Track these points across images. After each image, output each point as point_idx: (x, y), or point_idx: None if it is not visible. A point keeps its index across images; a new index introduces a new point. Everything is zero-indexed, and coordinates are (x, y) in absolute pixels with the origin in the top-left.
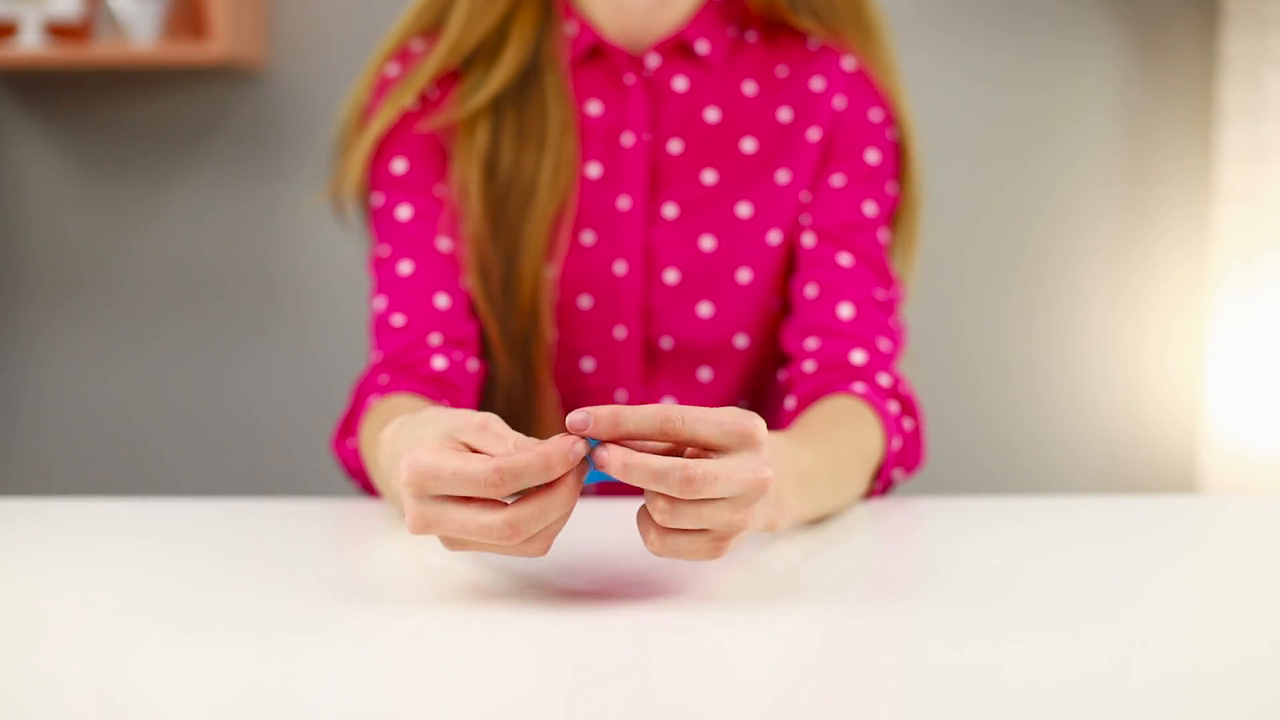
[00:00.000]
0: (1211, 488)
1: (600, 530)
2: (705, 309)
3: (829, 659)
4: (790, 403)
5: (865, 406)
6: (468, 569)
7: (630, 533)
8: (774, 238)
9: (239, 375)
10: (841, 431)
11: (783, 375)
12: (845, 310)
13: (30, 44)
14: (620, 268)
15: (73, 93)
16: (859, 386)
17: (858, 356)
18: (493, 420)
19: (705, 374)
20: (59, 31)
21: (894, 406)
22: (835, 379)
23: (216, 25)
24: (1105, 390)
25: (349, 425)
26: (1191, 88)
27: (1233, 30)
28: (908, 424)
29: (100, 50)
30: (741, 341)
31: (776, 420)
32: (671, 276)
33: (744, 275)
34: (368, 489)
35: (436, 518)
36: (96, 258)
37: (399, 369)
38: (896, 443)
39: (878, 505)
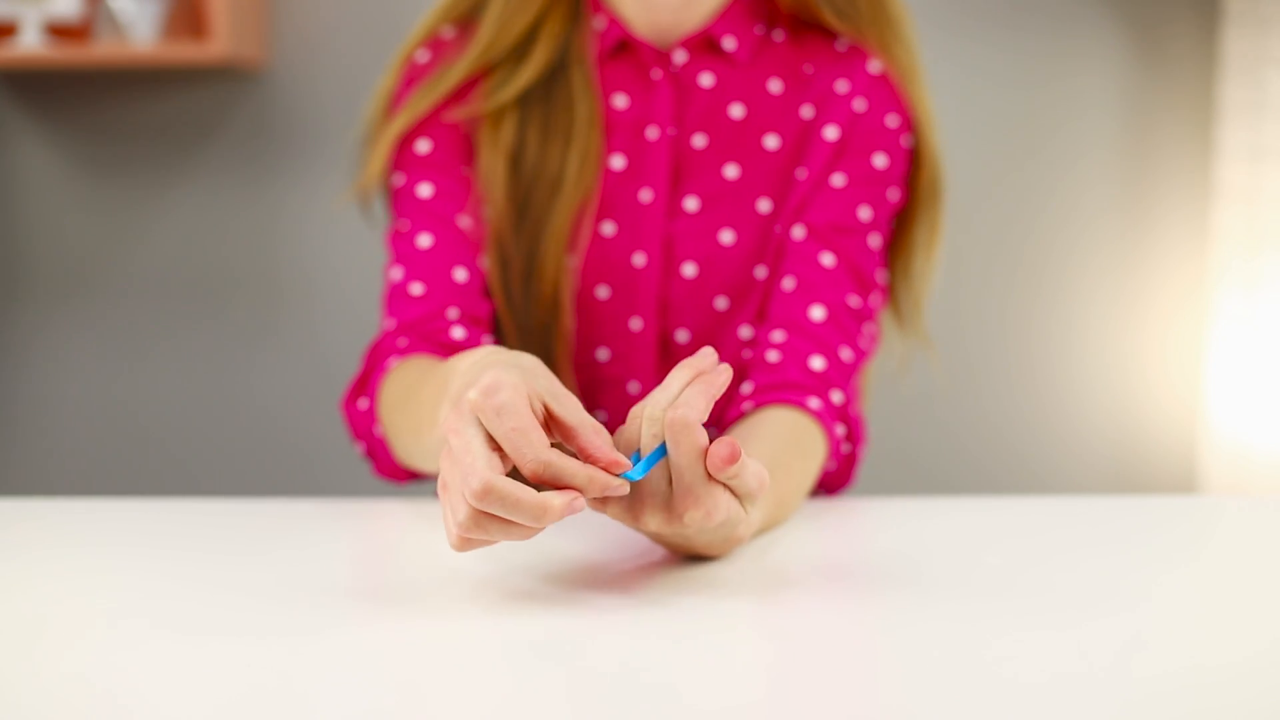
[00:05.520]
0: (1211, 488)
1: (586, 535)
2: (722, 303)
3: (826, 658)
4: (747, 388)
5: (816, 427)
6: (473, 569)
7: (621, 537)
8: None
9: (239, 375)
10: (798, 466)
11: (745, 354)
12: (817, 312)
13: (30, 44)
14: (639, 259)
15: (73, 93)
16: (814, 402)
17: (817, 363)
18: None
19: None
20: (59, 31)
21: (840, 429)
22: (793, 384)
23: (216, 25)
24: (1105, 390)
25: (361, 386)
26: (1191, 88)
27: (1233, 30)
28: (845, 448)
29: (100, 50)
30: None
31: (730, 399)
32: (690, 270)
33: (761, 272)
34: (373, 452)
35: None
36: (96, 258)
37: (418, 335)
38: (831, 464)
39: (876, 503)
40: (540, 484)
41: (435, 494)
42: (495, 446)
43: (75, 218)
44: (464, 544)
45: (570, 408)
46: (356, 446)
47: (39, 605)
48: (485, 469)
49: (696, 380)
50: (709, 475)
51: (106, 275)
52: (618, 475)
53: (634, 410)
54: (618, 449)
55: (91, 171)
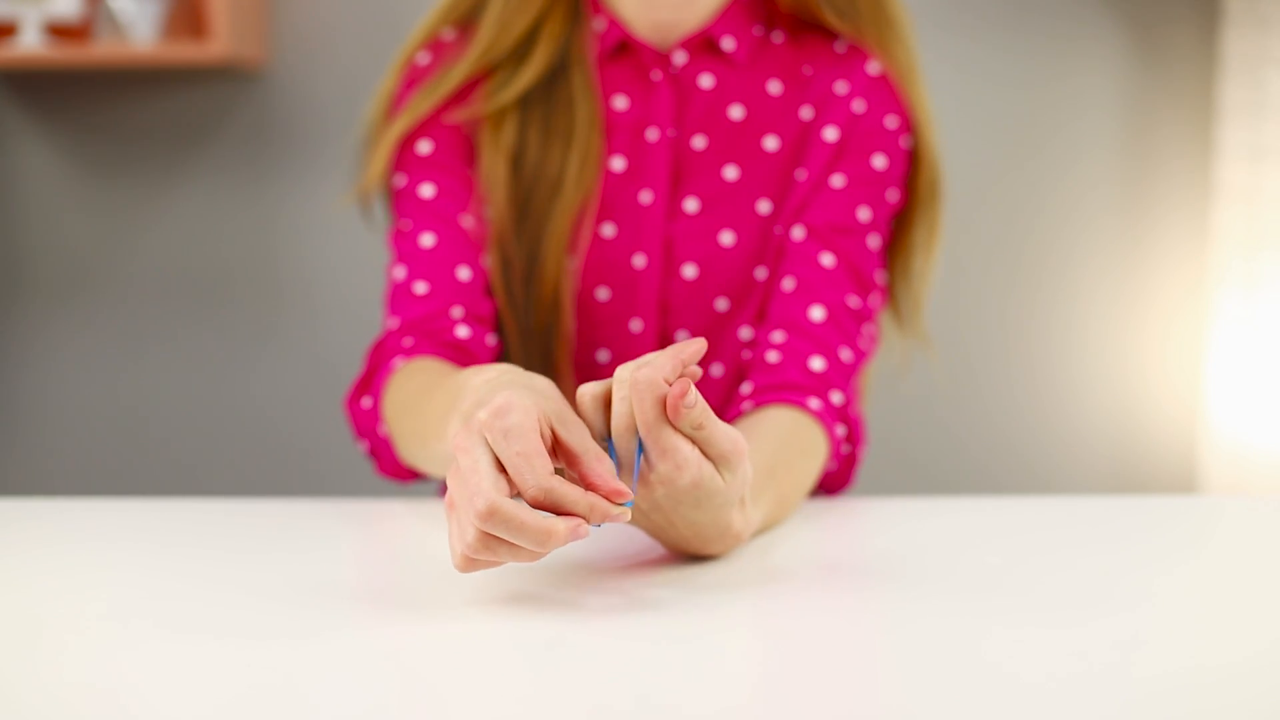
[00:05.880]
0: (1211, 488)
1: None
2: (722, 304)
3: (825, 658)
4: (746, 388)
5: (817, 428)
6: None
7: (620, 536)
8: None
9: (238, 375)
10: (799, 464)
11: (745, 354)
12: (816, 313)
13: (30, 44)
14: (639, 261)
15: (73, 93)
16: (814, 403)
17: (817, 364)
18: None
19: (717, 370)
20: (59, 31)
21: (841, 430)
22: (793, 385)
23: (216, 25)
24: (1105, 390)
25: (366, 385)
26: (1191, 88)
27: (1233, 30)
28: (845, 448)
29: (100, 50)
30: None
31: (730, 400)
32: (690, 271)
33: (761, 273)
34: (376, 451)
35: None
36: (96, 258)
37: (423, 334)
38: (831, 465)
39: (875, 503)
40: (544, 509)
41: (437, 494)
42: (503, 468)
43: (75, 218)
44: (469, 564)
45: (577, 434)
46: (360, 445)
47: (39, 605)
48: (491, 490)
49: (667, 349)
50: (673, 426)
51: (106, 275)
52: (619, 504)
53: (581, 390)
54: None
55: (91, 171)
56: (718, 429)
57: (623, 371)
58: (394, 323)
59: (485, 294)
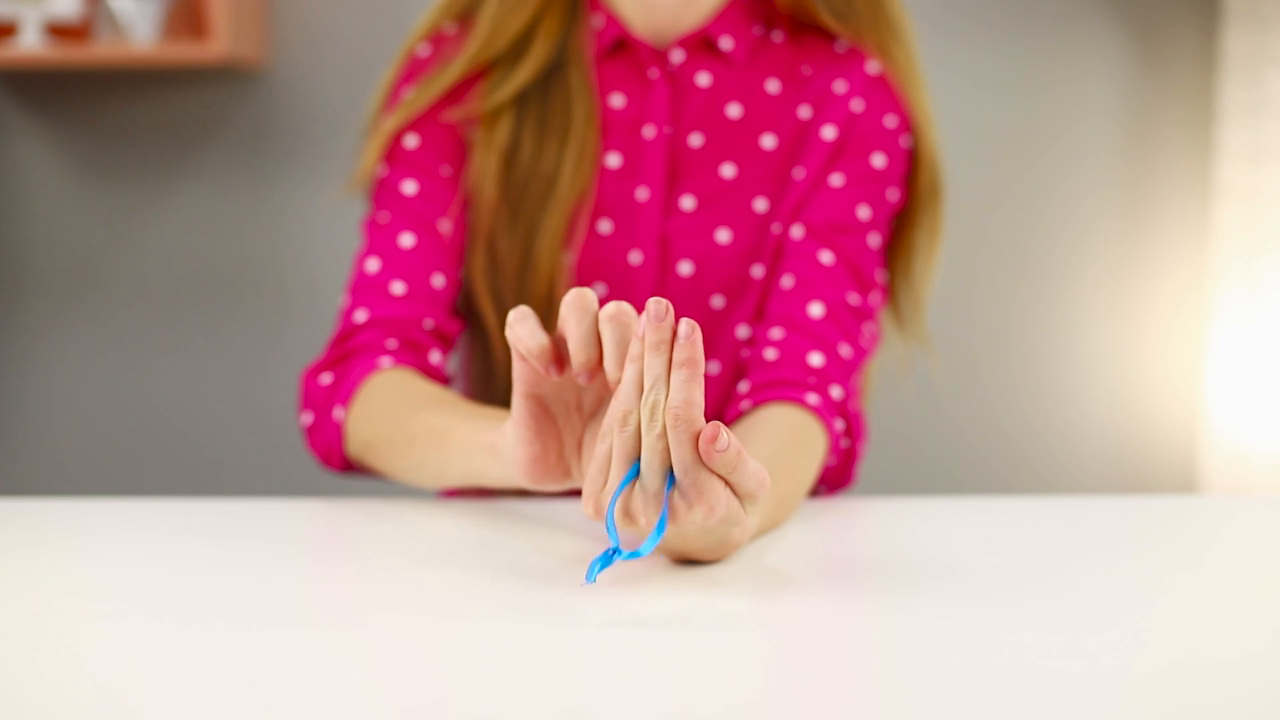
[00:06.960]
0: (1211, 488)
1: (583, 536)
2: (718, 302)
3: (825, 659)
4: (744, 386)
5: (816, 423)
6: (474, 571)
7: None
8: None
9: (241, 375)
10: (798, 464)
11: (743, 353)
12: (815, 309)
13: (30, 44)
14: (635, 258)
15: (73, 93)
16: (812, 398)
17: (815, 359)
18: None
19: (714, 367)
20: (59, 31)
21: (840, 424)
22: (791, 381)
23: (216, 25)
24: (1105, 390)
25: (332, 365)
26: (1191, 88)
27: (1233, 30)
28: (844, 443)
29: (100, 50)
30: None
31: (728, 399)
32: (685, 269)
33: (758, 271)
34: (320, 426)
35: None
36: (96, 258)
37: (406, 344)
38: (831, 460)
39: (876, 503)
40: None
41: (435, 495)
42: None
43: (75, 218)
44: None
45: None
46: (301, 416)
47: (39, 605)
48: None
49: (677, 368)
50: (707, 466)
51: (107, 275)
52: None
53: (611, 418)
54: (595, 468)
55: (92, 172)
56: (747, 470)
57: (654, 404)
58: (364, 315)
59: (453, 312)
